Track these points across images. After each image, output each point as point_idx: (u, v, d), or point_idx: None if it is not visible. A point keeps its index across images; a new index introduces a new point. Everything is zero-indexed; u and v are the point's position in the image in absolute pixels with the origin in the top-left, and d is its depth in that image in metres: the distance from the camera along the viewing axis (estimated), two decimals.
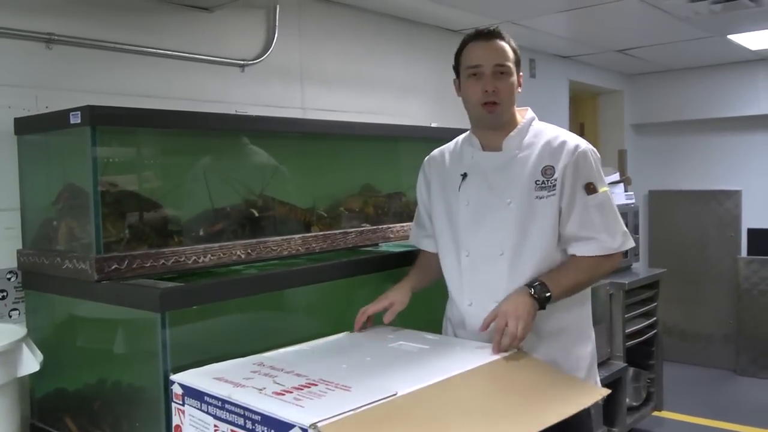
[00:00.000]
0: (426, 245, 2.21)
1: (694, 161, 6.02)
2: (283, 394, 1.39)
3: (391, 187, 2.85)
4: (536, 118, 2.02)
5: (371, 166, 2.88)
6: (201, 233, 2.14)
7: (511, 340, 1.72)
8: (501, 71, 1.89)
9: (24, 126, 2.15)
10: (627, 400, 4.05)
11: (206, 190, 2.23)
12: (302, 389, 1.42)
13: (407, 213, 2.82)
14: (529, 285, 1.81)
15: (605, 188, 1.91)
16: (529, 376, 1.60)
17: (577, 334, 1.99)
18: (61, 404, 2.14)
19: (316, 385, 1.45)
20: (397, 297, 2.02)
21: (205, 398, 1.47)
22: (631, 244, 1.92)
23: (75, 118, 1.86)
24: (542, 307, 1.80)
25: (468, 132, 2.09)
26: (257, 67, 2.92)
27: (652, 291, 4.43)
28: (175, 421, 1.58)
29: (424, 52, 3.80)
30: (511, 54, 1.92)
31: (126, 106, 2.07)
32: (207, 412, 1.46)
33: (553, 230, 1.88)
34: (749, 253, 5.60)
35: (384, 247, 2.67)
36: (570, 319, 1.96)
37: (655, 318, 4.41)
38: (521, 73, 1.97)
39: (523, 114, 2.02)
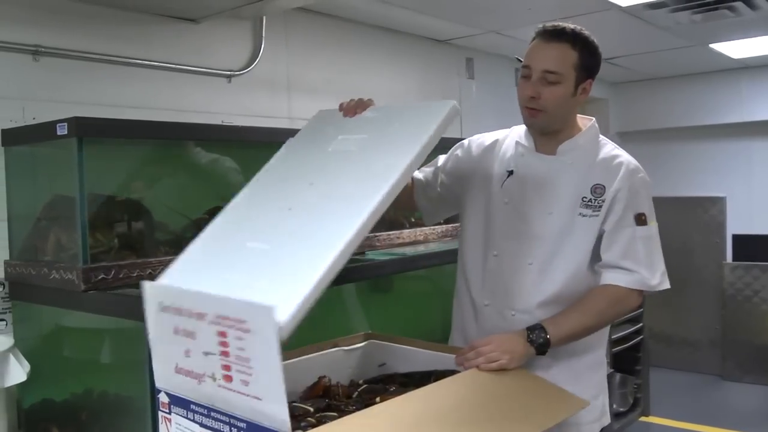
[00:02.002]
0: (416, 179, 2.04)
1: (678, 168, 6.08)
2: (230, 379, 1.33)
3: None
4: (599, 132, 1.90)
5: None
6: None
7: (479, 358, 1.61)
8: (549, 79, 1.73)
9: (11, 137, 2.16)
10: (614, 405, 4.08)
11: (192, 199, 2.25)
12: (227, 354, 1.31)
13: (393, 222, 2.84)
14: (530, 328, 1.69)
15: (654, 222, 1.82)
16: (511, 386, 1.60)
17: (591, 359, 1.89)
18: (49, 415, 2.15)
19: (226, 334, 1.31)
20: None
21: (191, 406, 1.48)
22: (667, 284, 1.80)
23: (62, 130, 1.88)
24: (541, 352, 1.69)
25: (524, 126, 1.92)
26: (244, 77, 2.94)
27: None
28: (162, 430, 1.58)
29: (410, 62, 3.84)
30: (570, 60, 1.74)
31: (113, 116, 2.09)
32: (193, 420, 1.47)
33: (588, 251, 1.79)
34: (734, 258, 5.65)
35: (370, 256, 2.69)
36: (586, 342, 1.84)
37: (641, 324, 4.45)
38: (590, 79, 1.80)
39: (586, 123, 1.89)
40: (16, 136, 2.15)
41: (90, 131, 1.89)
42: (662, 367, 5.57)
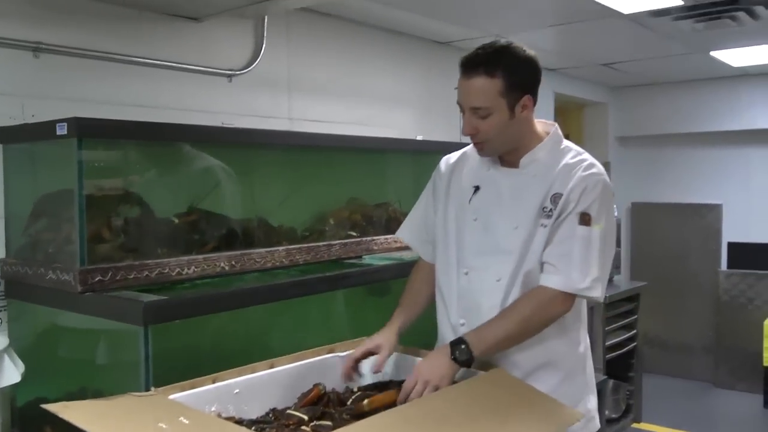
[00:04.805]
0: (427, 254, 2.00)
1: (676, 174, 6.09)
2: None
3: (377, 200, 2.87)
4: (562, 137, 1.85)
5: (357, 178, 2.90)
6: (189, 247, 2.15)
7: (412, 393, 1.62)
8: (479, 114, 1.71)
9: (10, 135, 2.15)
10: (606, 412, 4.09)
11: (191, 201, 2.25)
12: None
13: (393, 224, 2.84)
14: (453, 344, 1.67)
15: (601, 226, 1.70)
16: (507, 396, 1.61)
17: (566, 370, 1.83)
18: (43, 413, 2.13)
19: None
20: (382, 340, 1.83)
21: None
22: (598, 294, 1.70)
23: (61, 130, 1.87)
24: (467, 366, 1.67)
25: None
26: (245, 77, 2.93)
27: (632, 304, 4.48)
28: None
29: (411, 64, 3.83)
30: (493, 89, 1.68)
31: (113, 115, 2.08)
32: None
33: None
34: (729, 266, 5.68)
35: (368, 260, 2.69)
36: (557, 351, 1.81)
37: (635, 331, 4.46)
38: (527, 95, 1.74)
39: (549, 129, 1.85)
40: (14, 134, 2.14)
41: (90, 131, 1.88)
42: (655, 373, 5.59)
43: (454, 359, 1.66)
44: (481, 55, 1.71)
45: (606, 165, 6.10)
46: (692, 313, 5.87)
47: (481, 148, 1.79)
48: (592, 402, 1.91)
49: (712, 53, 4.60)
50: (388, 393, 1.67)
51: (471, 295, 1.82)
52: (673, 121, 5.94)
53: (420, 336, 2.15)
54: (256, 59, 2.97)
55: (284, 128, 3.07)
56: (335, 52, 3.37)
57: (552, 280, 1.70)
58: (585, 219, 1.70)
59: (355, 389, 1.84)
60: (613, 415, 4.27)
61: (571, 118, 6.24)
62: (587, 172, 1.75)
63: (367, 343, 1.84)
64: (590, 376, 1.94)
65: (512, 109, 1.72)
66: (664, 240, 6.06)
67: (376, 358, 1.82)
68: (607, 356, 4.08)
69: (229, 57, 2.90)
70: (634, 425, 4.49)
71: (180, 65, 2.68)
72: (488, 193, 1.84)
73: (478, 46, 1.75)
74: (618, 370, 4.33)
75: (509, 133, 1.76)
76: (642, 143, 6.27)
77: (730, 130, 5.68)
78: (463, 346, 1.66)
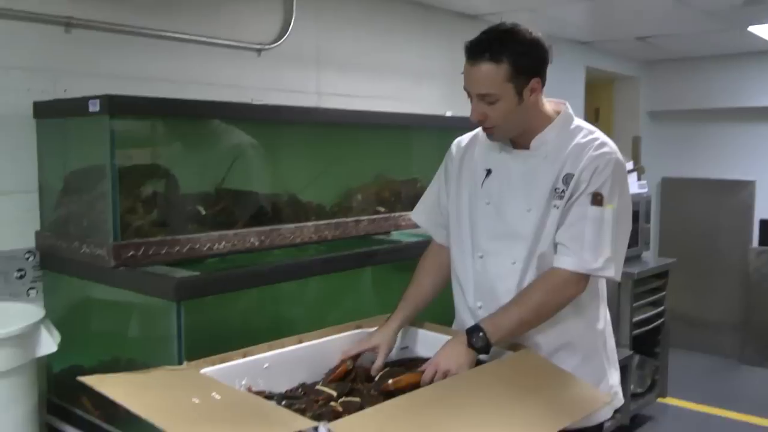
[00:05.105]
0: (440, 237, 2.01)
1: (709, 150, 5.99)
2: None
3: (405, 176, 2.86)
4: (573, 117, 1.82)
5: (385, 154, 2.89)
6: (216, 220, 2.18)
7: (434, 379, 1.64)
8: (487, 100, 1.69)
9: (43, 110, 2.18)
10: (632, 386, 4.09)
11: (221, 178, 2.27)
12: None
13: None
14: (470, 331, 1.67)
15: (613, 206, 1.69)
16: (534, 378, 1.61)
17: (586, 350, 1.84)
18: (77, 381, 2.20)
19: None
20: (379, 340, 1.84)
21: None
22: (611, 273, 1.69)
23: (94, 106, 1.89)
24: (484, 353, 1.68)
25: None
26: (273, 51, 2.92)
27: (661, 281, 4.44)
28: None
29: (439, 38, 3.79)
30: (500, 76, 1.65)
31: (143, 89, 2.10)
32: None
33: None
34: (761, 243, 5.59)
35: (395, 236, 2.70)
36: (575, 331, 1.82)
37: (663, 307, 4.43)
38: (536, 78, 1.70)
39: (560, 109, 1.82)
40: (48, 109, 2.17)
41: (122, 109, 1.90)
42: (682, 348, 5.56)
43: (471, 346, 1.67)
44: (486, 40, 1.68)
45: (636, 140, 6.01)
46: (721, 290, 5.81)
47: (490, 133, 1.78)
48: (614, 378, 1.92)
49: (750, 28, 4.48)
50: (413, 373, 1.68)
51: (487, 279, 1.83)
52: (707, 96, 5.82)
53: (447, 313, 2.16)
54: (285, 33, 2.96)
55: (312, 103, 3.06)
56: (363, 27, 3.35)
57: (565, 262, 1.70)
58: (597, 199, 1.69)
59: (383, 364, 1.87)
60: (639, 390, 4.26)
61: (602, 92, 6.15)
62: (598, 152, 1.73)
63: (364, 343, 1.86)
64: (611, 351, 1.94)
65: (520, 93, 1.70)
66: (695, 216, 5.98)
67: (375, 361, 1.83)
68: (635, 332, 4.06)
69: (258, 31, 2.89)
70: (660, 400, 4.49)
71: (209, 40, 2.68)
72: (500, 176, 1.83)
73: (483, 30, 1.71)
74: (645, 345, 4.31)
75: (518, 117, 1.73)
76: (674, 118, 6.15)
77: (766, 106, 5.56)
78: (480, 334, 1.66)
